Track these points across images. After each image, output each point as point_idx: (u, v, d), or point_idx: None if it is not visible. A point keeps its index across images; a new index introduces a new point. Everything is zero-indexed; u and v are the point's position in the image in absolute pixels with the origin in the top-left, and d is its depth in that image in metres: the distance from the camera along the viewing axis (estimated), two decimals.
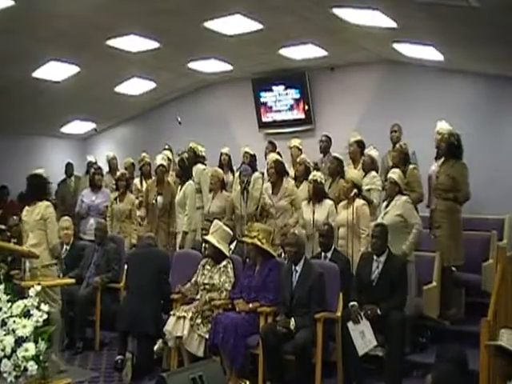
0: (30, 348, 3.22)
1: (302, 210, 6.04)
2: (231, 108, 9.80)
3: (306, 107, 9.00)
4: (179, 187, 6.94)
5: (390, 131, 6.94)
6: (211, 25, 7.04)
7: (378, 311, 4.73)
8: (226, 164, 7.72)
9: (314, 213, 5.88)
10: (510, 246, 6.23)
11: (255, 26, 7.02)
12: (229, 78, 9.51)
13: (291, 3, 6.29)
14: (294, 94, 9.09)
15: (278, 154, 7.05)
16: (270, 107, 9.35)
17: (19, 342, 3.24)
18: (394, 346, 4.67)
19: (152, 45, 7.75)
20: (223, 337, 4.84)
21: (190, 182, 6.86)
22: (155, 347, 5.37)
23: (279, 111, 9.28)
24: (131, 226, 7.33)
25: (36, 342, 3.27)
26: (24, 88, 8.66)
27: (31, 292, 3.42)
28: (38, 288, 3.46)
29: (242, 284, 5.23)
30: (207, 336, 4.99)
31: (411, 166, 6.12)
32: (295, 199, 6.11)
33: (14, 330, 3.27)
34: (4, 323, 3.33)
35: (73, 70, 8.49)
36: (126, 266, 5.93)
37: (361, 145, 6.67)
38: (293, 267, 4.98)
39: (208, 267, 5.44)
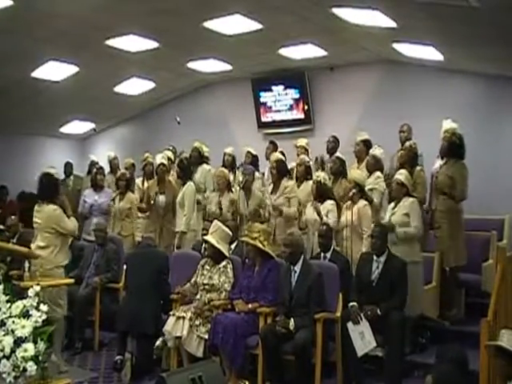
0: (29, 348, 3.21)
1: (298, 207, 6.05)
2: (231, 108, 9.80)
3: (306, 107, 8.99)
4: (181, 187, 6.92)
5: (399, 131, 6.85)
6: (210, 25, 7.04)
7: (378, 311, 4.73)
8: (229, 164, 7.61)
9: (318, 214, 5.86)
10: (510, 246, 6.23)
11: (255, 25, 7.02)
12: (228, 78, 9.51)
13: (291, 3, 6.29)
14: (293, 93, 9.08)
15: (282, 153, 7.01)
16: (270, 107, 9.34)
17: (18, 342, 3.23)
18: (394, 346, 4.66)
19: (151, 45, 7.75)
20: (223, 337, 4.83)
21: (190, 182, 6.85)
22: (156, 343, 5.33)
23: (279, 111, 9.27)
24: (132, 225, 7.31)
25: (35, 343, 3.26)
26: (23, 88, 8.65)
27: (30, 292, 3.41)
28: (37, 288, 3.45)
29: (241, 284, 5.22)
30: (206, 336, 4.99)
31: (418, 168, 6.02)
32: (292, 197, 6.13)
33: (13, 331, 3.27)
34: (3, 323, 3.32)
35: (72, 69, 8.49)
36: (125, 267, 5.93)
37: (367, 144, 6.60)
38: (292, 267, 4.97)
39: (207, 267, 5.43)
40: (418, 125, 6.97)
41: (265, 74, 9.20)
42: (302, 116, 9.07)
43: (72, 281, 5.28)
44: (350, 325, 4.73)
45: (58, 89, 8.87)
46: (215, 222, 5.68)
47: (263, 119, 9.44)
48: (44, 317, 3.35)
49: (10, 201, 9.77)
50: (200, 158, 7.32)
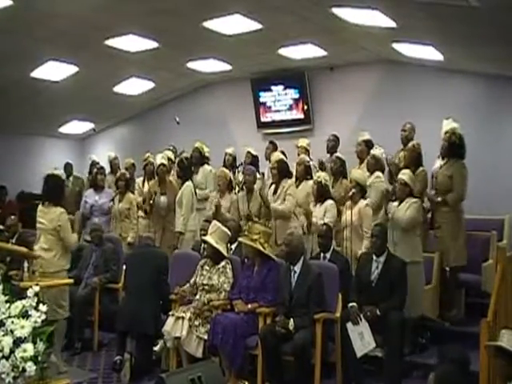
0: (29, 349, 3.21)
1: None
2: (230, 108, 9.79)
3: (305, 107, 8.98)
4: (180, 187, 6.91)
5: (401, 130, 6.82)
6: (210, 24, 7.03)
7: (378, 312, 4.72)
8: (229, 164, 7.60)
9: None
10: (510, 246, 6.22)
11: (254, 25, 7.01)
12: (228, 78, 9.50)
13: (290, 3, 6.28)
14: (293, 93, 9.07)
15: (283, 153, 6.98)
16: (269, 107, 9.33)
17: (17, 342, 3.23)
18: (393, 346, 4.66)
19: (151, 44, 7.74)
20: (222, 337, 4.82)
21: (189, 182, 6.84)
22: (156, 348, 5.34)
23: (278, 111, 9.26)
24: (130, 226, 7.31)
25: (34, 343, 3.26)
26: (22, 88, 8.65)
27: (29, 293, 3.40)
28: (37, 289, 3.44)
29: (240, 284, 5.22)
30: (206, 337, 4.98)
31: (421, 168, 5.97)
32: (288, 195, 6.14)
33: (12, 331, 3.26)
34: (2, 324, 3.31)
35: (71, 69, 8.48)
36: (124, 267, 5.92)
37: (369, 144, 6.58)
38: (291, 267, 4.96)
39: (207, 268, 5.42)
40: (418, 125, 6.94)
41: (264, 74, 9.19)
42: (301, 116, 9.06)
43: (71, 281, 5.27)
44: (349, 325, 4.72)
45: (58, 89, 8.86)
46: (214, 222, 5.67)
47: (263, 119, 9.44)
48: (43, 317, 3.35)
49: (10, 201, 9.78)
50: (201, 159, 7.30)
